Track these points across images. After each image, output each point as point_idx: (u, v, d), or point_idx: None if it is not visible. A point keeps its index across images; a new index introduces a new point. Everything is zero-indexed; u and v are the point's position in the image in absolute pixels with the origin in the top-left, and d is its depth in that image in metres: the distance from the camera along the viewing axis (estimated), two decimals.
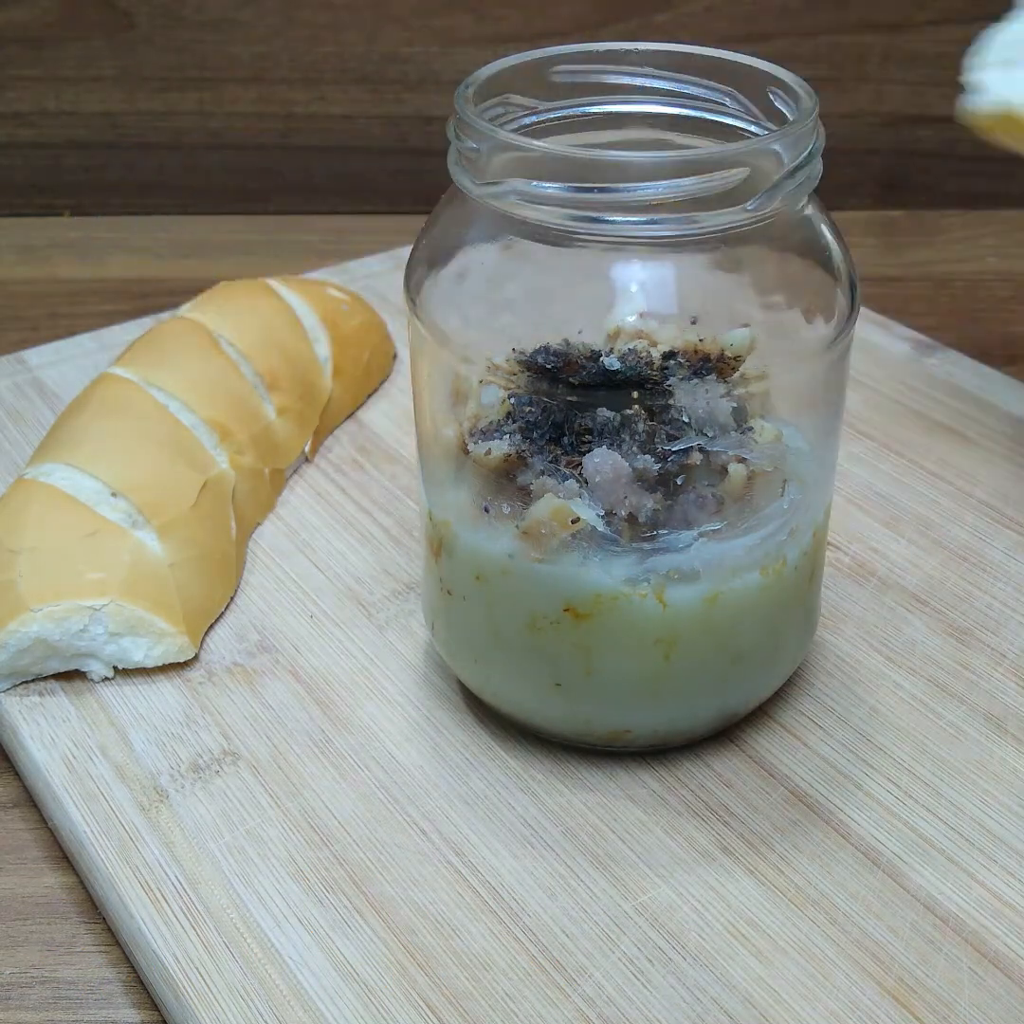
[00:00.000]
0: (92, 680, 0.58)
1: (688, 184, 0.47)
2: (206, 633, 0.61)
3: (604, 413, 0.51)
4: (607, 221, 0.48)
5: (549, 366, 0.51)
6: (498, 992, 0.45)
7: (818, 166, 0.51)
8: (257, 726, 0.56)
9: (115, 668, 0.59)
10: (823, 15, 1.05)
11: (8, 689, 0.58)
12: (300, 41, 1.06)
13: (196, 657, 0.60)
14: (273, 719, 0.57)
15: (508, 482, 0.53)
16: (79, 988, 0.48)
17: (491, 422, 0.54)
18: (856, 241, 0.59)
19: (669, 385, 0.50)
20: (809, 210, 0.52)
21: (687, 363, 0.51)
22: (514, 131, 0.52)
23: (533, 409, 0.52)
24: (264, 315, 0.75)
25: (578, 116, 0.55)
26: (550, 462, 0.52)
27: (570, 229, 0.49)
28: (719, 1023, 0.44)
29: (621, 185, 0.47)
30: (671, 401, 0.50)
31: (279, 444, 0.71)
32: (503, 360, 0.52)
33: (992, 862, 0.50)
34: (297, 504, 0.71)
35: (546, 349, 0.52)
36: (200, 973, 0.46)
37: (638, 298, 0.53)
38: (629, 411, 0.50)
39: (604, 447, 0.50)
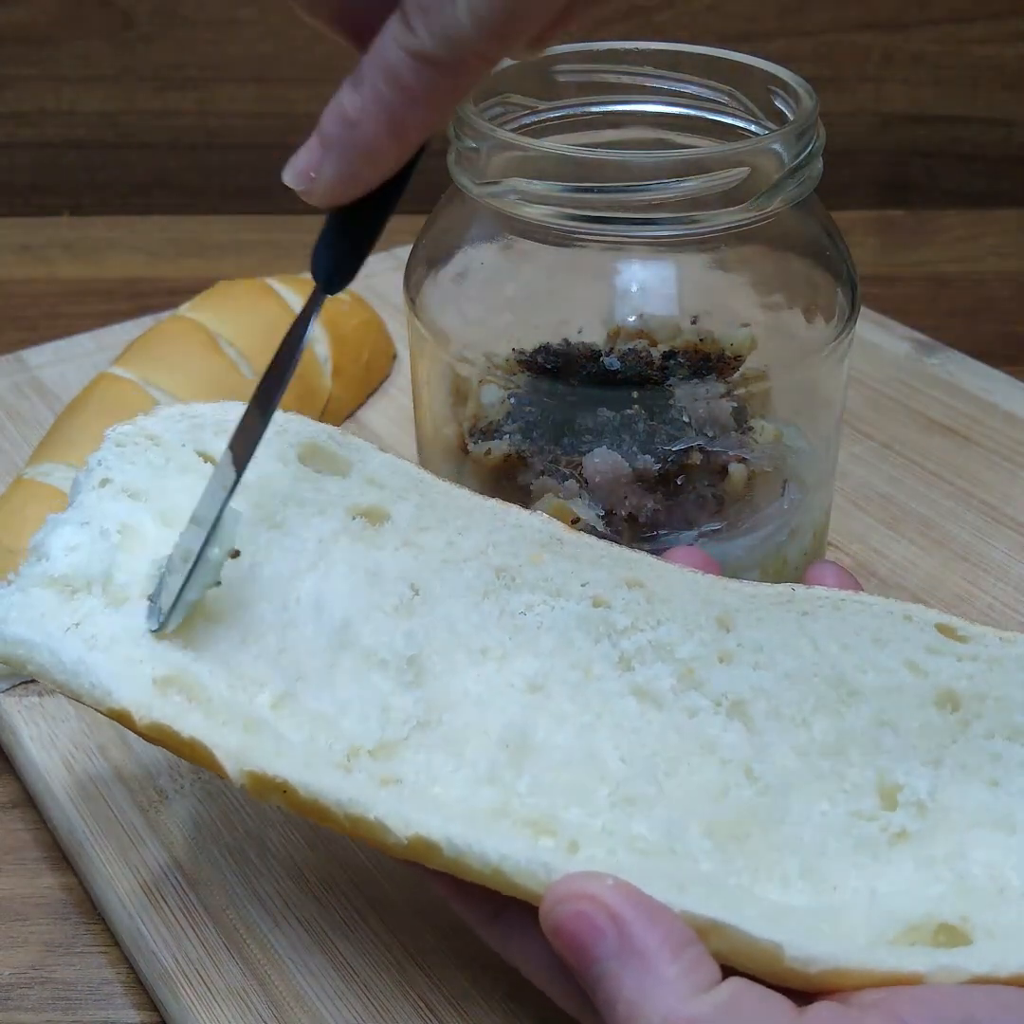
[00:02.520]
0: None
1: (688, 184, 0.47)
2: None
3: (604, 413, 0.51)
4: (607, 221, 0.48)
5: (549, 366, 0.51)
6: (498, 992, 0.45)
7: (818, 166, 0.51)
8: None
9: None
10: (823, 15, 1.05)
11: (8, 689, 0.58)
12: (300, 41, 1.06)
13: None
14: None
15: (508, 482, 0.53)
16: (79, 989, 0.48)
17: (491, 422, 0.54)
18: (856, 241, 0.59)
19: (669, 385, 0.50)
20: (809, 210, 0.52)
21: (687, 363, 0.51)
22: (514, 131, 0.52)
23: (533, 409, 0.52)
24: (264, 315, 0.75)
25: (578, 116, 0.55)
26: (550, 462, 0.52)
27: (570, 229, 0.49)
28: None
29: (621, 185, 0.47)
30: (671, 401, 0.50)
31: None
32: (503, 360, 0.52)
33: None
34: None
35: (546, 349, 0.52)
36: (200, 974, 0.46)
37: (638, 298, 0.53)
38: (629, 411, 0.50)
39: (604, 447, 0.50)
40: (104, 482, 0.46)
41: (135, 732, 0.41)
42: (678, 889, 0.36)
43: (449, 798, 0.39)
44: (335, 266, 0.42)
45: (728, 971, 0.35)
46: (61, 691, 0.41)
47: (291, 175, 0.38)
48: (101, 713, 0.41)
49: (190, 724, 0.40)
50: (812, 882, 0.38)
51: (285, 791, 0.39)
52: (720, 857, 0.38)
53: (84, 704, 0.41)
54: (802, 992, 0.35)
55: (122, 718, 0.40)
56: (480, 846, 0.37)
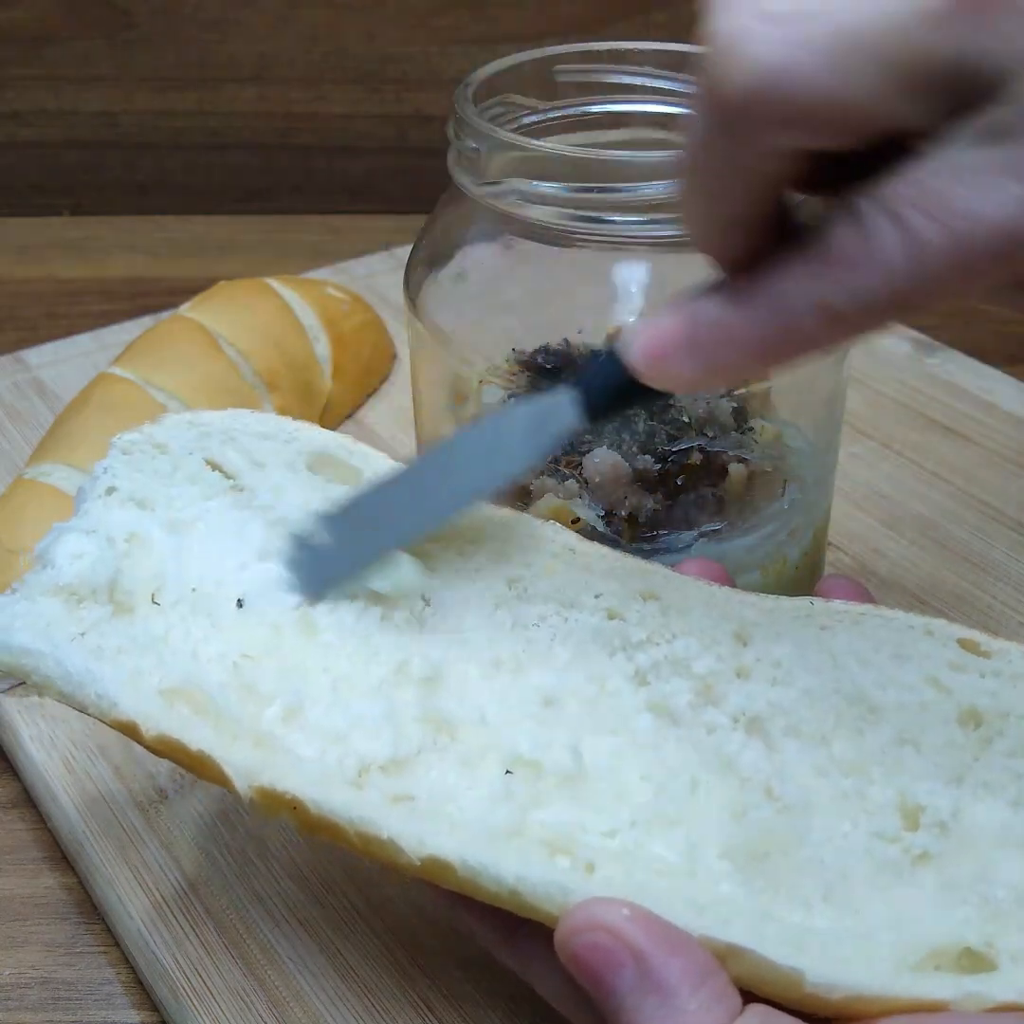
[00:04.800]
0: None
1: None
2: None
3: None
4: (607, 221, 0.48)
5: (549, 366, 0.51)
6: (498, 992, 0.45)
7: None
8: None
9: None
10: None
11: (8, 689, 0.58)
12: (300, 41, 1.06)
13: None
14: None
15: None
16: (79, 989, 0.48)
17: None
18: None
19: None
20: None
21: None
22: (514, 131, 0.52)
23: None
24: (264, 315, 0.75)
25: (579, 116, 0.55)
26: (550, 462, 0.52)
27: (570, 229, 0.49)
28: None
29: (621, 185, 0.47)
30: (671, 401, 0.50)
31: None
32: (503, 360, 0.52)
33: None
34: None
35: (546, 349, 0.52)
36: (200, 974, 0.46)
37: (638, 298, 0.53)
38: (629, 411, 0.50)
39: (604, 447, 0.50)
40: (110, 490, 0.46)
41: (142, 745, 0.40)
42: (697, 911, 0.35)
43: (463, 816, 0.38)
44: (604, 400, 0.40)
45: (749, 996, 0.35)
46: (66, 702, 0.41)
47: (639, 351, 0.37)
48: (107, 724, 0.40)
49: (198, 737, 0.39)
50: (834, 904, 0.37)
51: (295, 808, 0.38)
52: (740, 879, 0.37)
53: (90, 715, 0.40)
54: (824, 1019, 0.35)
55: (128, 730, 0.40)
56: (496, 867, 0.36)
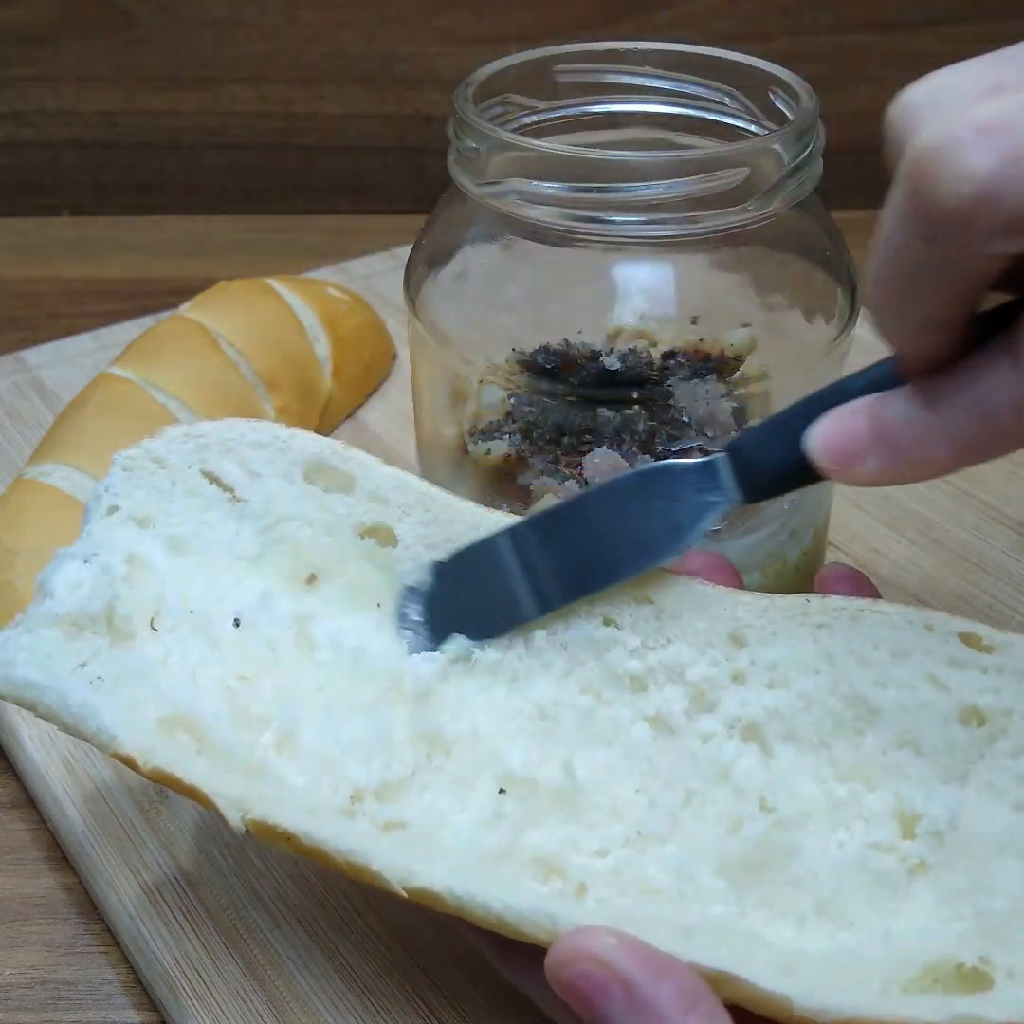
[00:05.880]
0: None
1: (688, 184, 0.47)
2: None
3: (604, 413, 0.51)
4: (607, 221, 0.48)
5: (549, 366, 0.51)
6: (498, 992, 0.45)
7: (818, 166, 0.51)
8: None
9: None
10: (823, 15, 1.04)
11: None
12: (300, 41, 1.06)
13: None
14: None
15: (508, 482, 0.53)
16: (79, 989, 0.48)
17: (491, 422, 0.54)
18: (856, 241, 0.59)
19: (669, 385, 0.50)
20: (809, 210, 0.52)
21: (687, 363, 0.51)
22: (514, 131, 0.52)
23: (533, 409, 0.52)
24: (264, 315, 0.75)
25: (578, 116, 0.55)
26: (550, 462, 0.52)
27: (570, 229, 0.49)
28: None
29: (621, 185, 0.47)
30: (671, 401, 0.50)
31: None
32: (503, 360, 0.52)
33: None
34: None
35: (546, 349, 0.52)
36: (199, 974, 0.46)
37: (638, 298, 0.53)
38: (629, 411, 0.50)
39: (604, 447, 0.50)
40: (112, 510, 0.45)
41: (141, 776, 0.40)
42: (686, 936, 0.35)
43: (455, 840, 0.38)
44: (767, 481, 0.40)
45: (743, 1012, 0.35)
46: (71, 734, 0.41)
47: (822, 448, 0.37)
48: (110, 757, 0.40)
49: (192, 770, 0.39)
50: (828, 919, 0.37)
51: (289, 839, 0.38)
52: (733, 897, 0.37)
53: (94, 747, 0.41)
54: None
55: (128, 763, 0.40)
56: (483, 896, 0.36)
